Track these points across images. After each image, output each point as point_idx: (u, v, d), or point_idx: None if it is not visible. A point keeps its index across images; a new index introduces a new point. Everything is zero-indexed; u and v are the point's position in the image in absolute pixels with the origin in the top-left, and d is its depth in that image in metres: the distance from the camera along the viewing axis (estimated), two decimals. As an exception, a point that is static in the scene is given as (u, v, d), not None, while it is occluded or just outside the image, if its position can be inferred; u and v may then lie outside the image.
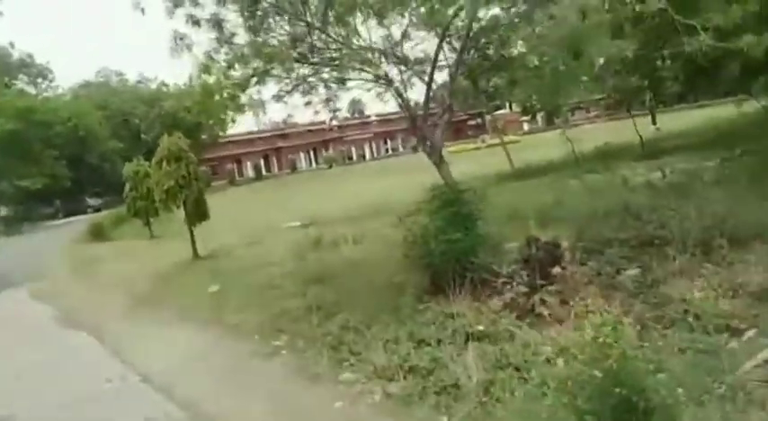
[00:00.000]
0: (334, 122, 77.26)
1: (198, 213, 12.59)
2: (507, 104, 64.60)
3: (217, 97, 7.39)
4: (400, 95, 6.65)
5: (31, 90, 54.80)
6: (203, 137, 56.13)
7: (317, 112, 9.28)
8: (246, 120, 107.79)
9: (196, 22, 6.50)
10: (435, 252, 5.95)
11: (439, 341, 5.06)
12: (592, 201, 11.03)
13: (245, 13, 6.39)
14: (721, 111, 29.47)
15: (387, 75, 6.73)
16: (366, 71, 6.92)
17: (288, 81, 7.88)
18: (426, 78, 7.17)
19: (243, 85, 7.19)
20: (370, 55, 6.83)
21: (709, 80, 25.31)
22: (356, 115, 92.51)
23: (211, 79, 7.19)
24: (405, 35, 7.40)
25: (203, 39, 6.80)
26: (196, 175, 12.32)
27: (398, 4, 6.87)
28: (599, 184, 14.78)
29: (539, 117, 75.10)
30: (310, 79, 7.99)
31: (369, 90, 7.67)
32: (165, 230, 19.95)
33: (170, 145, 11.96)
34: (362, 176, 39.12)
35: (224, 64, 7.05)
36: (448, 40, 7.73)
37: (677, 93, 30.29)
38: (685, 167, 15.07)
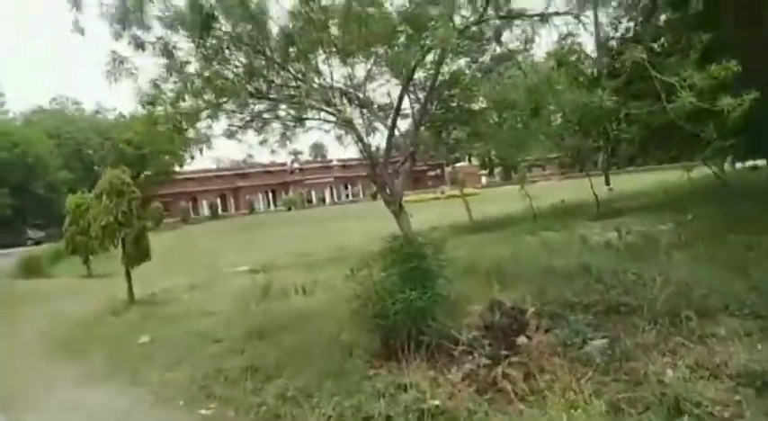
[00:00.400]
0: (295, 165, 77.25)
1: (138, 253, 11.64)
2: (467, 157, 66.28)
3: (162, 129, 6.77)
4: (360, 140, 6.23)
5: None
6: (150, 172, 54.38)
7: (273, 152, 8.76)
8: (204, 158, 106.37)
9: (140, 45, 5.95)
10: (389, 311, 5.39)
11: (389, 418, 4.43)
12: (551, 259, 10.75)
13: (198, 41, 5.90)
14: (668, 176, 30.72)
15: (348, 117, 6.31)
16: (326, 111, 6.49)
17: (241, 117, 7.37)
18: (389, 124, 6.80)
19: (192, 119, 6.62)
20: (330, 94, 6.43)
21: (662, 144, 26.34)
22: (318, 159, 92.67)
23: (157, 109, 6.60)
24: (368, 77, 7.05)
25: (149, 64, 6.26)
26: (138, 213, 11.47)
27: (363, 47, 6.54)
28: (557, 242, 14.66)
29: (496, 171, 77.25)
30: (265, 116, 7.50)
31: (328, 131, 7.23)
32: (106, 268, 18.65)
33: (112, 178, 11.13)
34: (320, 221, 38.44)
35: (171, 94, 6.49)
36: (411, 88, 7.47)
37: (629, 155, 31.51)
38: (641, 230, 15.18)
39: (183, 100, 6.80)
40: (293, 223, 40.05)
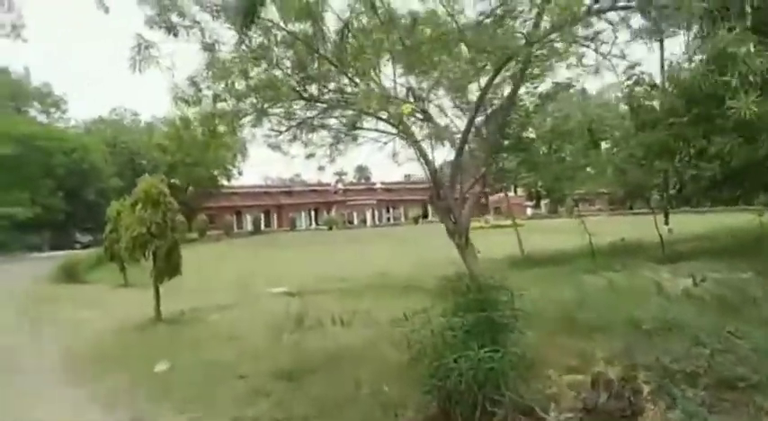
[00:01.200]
0: (339, 185, 77.19)
1: (169, 268, 10.87)
2: (513, 187, 64.55)
3: (196, 133, 5.94)
4: (423, 156, 5.20)
5: (43, 119, 54.57)
6: (195, 185, 55.11)
7: (320, 168, 7.92)
8: (252, 174, 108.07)
9: (172, 29, 5.12)
10: (451, 370, 4.25)
11: None
12: (626, 307, 9.36)
13: (241, 32, 5.04)
14: (726, 219, 28.63)
15: (409, 129, 5.30)
16: (385, 120, 5.52)
17: (288, 124, 6.49)
18: (455, 143, 5.74)
19: (230, 122, 5.76)
20: (390, 103, 5.45)
21: (735, 184, 24.38)
22: (362, 181, 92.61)
23: (191, 111, 5.79)
24: (432, 88, 6.03)
25: (186, 58, 5.43)
26: (173, 225, 10.72)
27: (428, 56, 5.55)
28: (624, 286, 13.16)
29: (542, 203, 74.88)
30: (315, 123, 6.60)
31: (385, 144, 6.26)
32: (143, 278, 18.09)
33: (147, 186, 10.45)
34: (362, 242, 37.51)
35: (209, 92, 5.66)
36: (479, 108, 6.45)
37: (690, 194, 29.52)
38: (719, 277, 13.53)
39: (224, 101, 5.97)
40: (334, 243, 39.31)
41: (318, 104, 6.58)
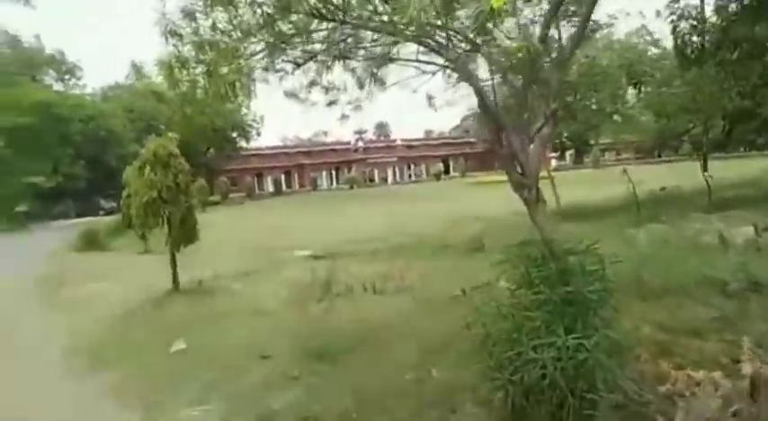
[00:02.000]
0: (359, 144, 75.68)
1: (185, 234, 10.05)
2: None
3: (197, 72, 4.88)
4: (479, 92, 4.07)
5: (59, 87, 53.89)
6: (208, 149, 54.44)
7: (342, 116, 6.81)
8: (270, 135, 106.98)
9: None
10: (531, 363, 3.28)
11: None
12: (690, 263, 8.27)
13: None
14: (758, 165, 27.22)
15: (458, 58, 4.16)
16: (430, 47, 4.37)
17: (305, 51, 5.43)
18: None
19: (230, 58, 4.70)
20: (434, 29, 4.30)
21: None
22: (381, 138, 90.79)
23: (187, 48, 4.73)
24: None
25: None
26: (186, 188, 9.82)
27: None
28: (679, 239, 12.06)
29: (567, 154, 72.55)
30: (337, 52, 5.50)
31: (433, 74, 5.11)
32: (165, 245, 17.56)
33: (156, 147, 9.51)
34: (385, 201, 36.53)
35: (206, 23, 4.59)
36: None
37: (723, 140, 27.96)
38: (782, 226, 12.29)
39: (229, 35, 4.89)
40: (356, 201, 38.42)
41: (344, 27, 5.40)
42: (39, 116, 37.82)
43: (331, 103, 6.73)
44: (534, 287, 3.62)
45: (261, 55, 5.41)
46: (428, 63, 4.97)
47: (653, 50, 22.31)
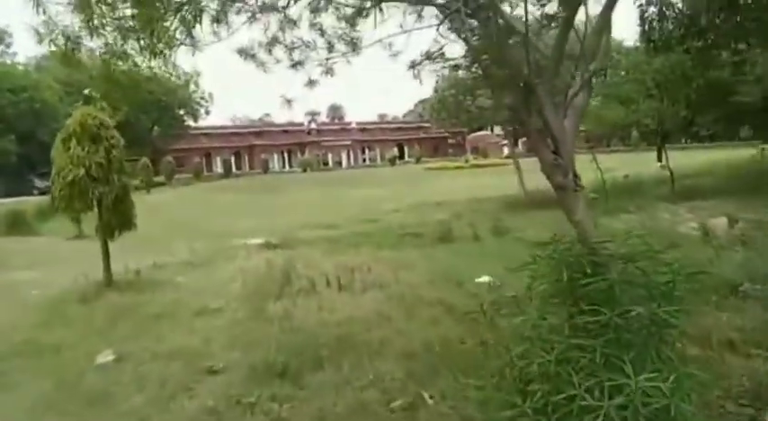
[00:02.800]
0: (313, 125, 73.63)
1: (119, 219, 8.67)
2: (489, 126, 62.40)
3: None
4: (499, 46, 3.07)
5: (-13, 56, 49.57)
6: (153, 127, 51.77)
7: (311, 82, 5.71)
8: (219, 115, 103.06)
9: None
10: (587, 411, 2.37)
11: None
12: (681, 258, 7.65)
13: None
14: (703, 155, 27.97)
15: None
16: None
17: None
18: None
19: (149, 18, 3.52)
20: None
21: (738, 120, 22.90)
22: (336, 120, 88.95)
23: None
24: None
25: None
26: (120, 165, 8.41)
27: None
28: (657, 231, 11.59)
29: (520, 142, 73.12)
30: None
31: (438, 27, 4.06)
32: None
33: (83, 118, 8.05)
34: (341, 185, 35.37)
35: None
36: None
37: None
38: (751, 218, 12.08)
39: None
40: (311, 186, 37.09)
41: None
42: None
43: (296, 64, 5.59)
44: (577, 303, 2.69)
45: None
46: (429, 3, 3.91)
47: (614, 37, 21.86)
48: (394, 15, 5.76)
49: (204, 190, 39.62)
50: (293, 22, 5.63)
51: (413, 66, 6.30)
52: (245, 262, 10.13)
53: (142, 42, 4.22)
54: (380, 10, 4.88)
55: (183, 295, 7.96)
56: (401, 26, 5.33)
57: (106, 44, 4.30)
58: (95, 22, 3.66)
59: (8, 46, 53.06)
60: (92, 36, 4.11)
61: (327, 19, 5.85)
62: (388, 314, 6.21)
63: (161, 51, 3.85)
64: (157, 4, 3.49)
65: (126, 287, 8.57)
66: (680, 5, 17.44)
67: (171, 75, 56.56)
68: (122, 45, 4.26)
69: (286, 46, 5.75)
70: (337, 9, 5.77)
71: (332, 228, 15.01)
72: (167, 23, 3.77)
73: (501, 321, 5.12)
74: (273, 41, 5.73)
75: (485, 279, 7.64)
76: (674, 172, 21.05)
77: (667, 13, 17.77)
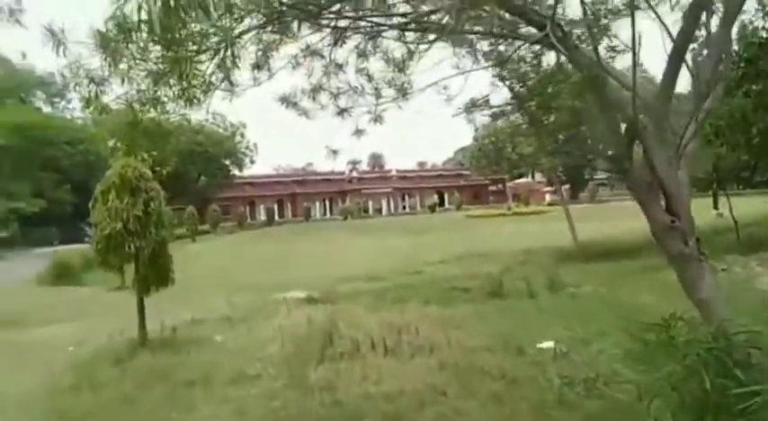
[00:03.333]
0: (354, 174, 74.24)
1: (156, 274, 8.33)
2: (530, 173, 61.17)
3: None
4: (610, 88, 2.51)
5: (47, 109, 52.43)
6: (200, 176, 53.38)
7: (358, 131, 5.29)
8: (262, 163, 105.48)
9: None
10: None
11: None
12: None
13: None
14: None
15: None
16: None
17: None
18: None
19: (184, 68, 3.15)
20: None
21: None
22: (376, 169, 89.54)
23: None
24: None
25: None
26: (158, 218, 8.14)
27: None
28: (736, 288, 10.51)
29: (562, 189, 71.34)
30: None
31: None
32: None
33: (123, 169, 7.88)
34: (384, 233, 34.86)
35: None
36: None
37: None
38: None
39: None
40: (352, 234, 36.73)
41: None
42: (18, 138, 36.27)
43: (342, 112, 5.19)
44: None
45: (249, 36, 3.90)
46: (513, 37, 3.42)
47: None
48: (446, 58, 5.36)
49: (247, 238, 39.85)
50: (339, 67, 5.27)
51: (465, 110, 5.85)
52: (285, 319, 9.56)
53: (175, 89, 3.89)
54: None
55: (219, 357, 7.43)
56: (458, 67, 4.91)
57: (138, 91, 4.00)
58: (123, 65, 3.34)
59: (69, 101, 56.21)
60: (123, 81, 3.81)
61: (375, 64, 5.49)
62: (442, 388, 5.48)
63: (194, 97, 3.46)
64: (189, 44, 3.10)
65: (161, 346, 8.12)
66: (736, 48, 16.67)
67: (218, 126, 58.75)
68: (155, 91, 3.94)
69: (331, 92, 5.39)
70: (384, 53, 5.41)
71: (375, 281, 14.39)
72: (203, 67, 3.40)
73: (576, 401, 4.37)
74: (318, 88, 5.37)
75: (548, 344, 6.84)
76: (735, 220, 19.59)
77: (723, 56, 16.98)
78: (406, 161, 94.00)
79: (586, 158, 20.37)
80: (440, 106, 5.82)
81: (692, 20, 2.61)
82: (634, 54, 2.52)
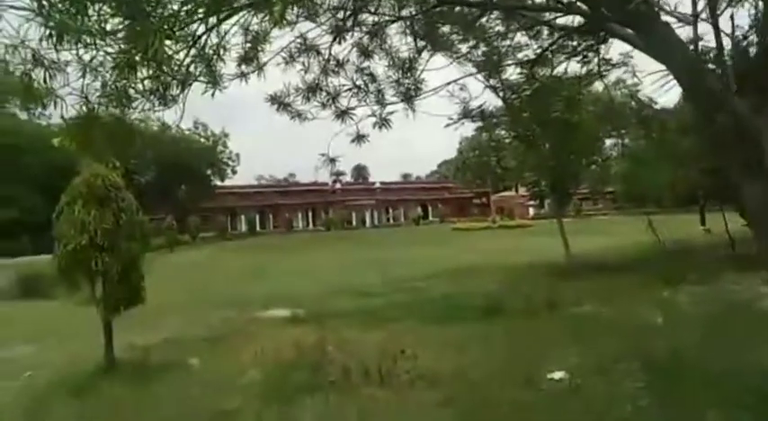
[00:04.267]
0: (337, 185, 73.53)
1: (125, 293, 7.52)
2: (514, 186, 61.15)
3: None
4: (691, 60, 1.94)
5: (24, 116, 50.89)
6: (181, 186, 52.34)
7: (360, 137, 4.66)
8: (245, 173, 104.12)
9: None
10: None
11: None
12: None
13: None
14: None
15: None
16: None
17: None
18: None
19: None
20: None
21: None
22: (360, 180, 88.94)
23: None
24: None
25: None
26: (130, 231, 7.37)
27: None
28: (737, 308, 10.09)
29: (546, 203, 71.37)
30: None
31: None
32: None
33: (90, 178, 7.11)
34: (368, 245, 34.20)
35: None
36: None
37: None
38: None
39: None
40: (338, 245, 35.97)
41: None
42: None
43: (342, 114, 4.54)
44: None
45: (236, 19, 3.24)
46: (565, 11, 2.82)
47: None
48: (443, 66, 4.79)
49: (227, 249, 38.82)
50: (339, 63, 4.64)
51: (455, 121, 5.28)
52: (268, 339, 8.83)
53: (146, 82, 3.20)
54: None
55: (193, 387, 6.65)
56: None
57: (103, 85, 3.30)
58: (80, 47, 2.66)
59: (45, 107, 54.58)
60: (84, 71, 3.12)
61: (378, 64, 4.89)
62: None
63: (166, 87, 2.78)
64: (160, 12, 2.43)
65: (130, 372, 7.31)
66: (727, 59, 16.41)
67: (200, 136, 57.69)
68: (124, 84, 3.25)
69: (328, 92, 4.74)
70: (388, 54, 4.81)
71: (365, 297, 13.67)
72: (177, 49, 2.73)
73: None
74: (315, 89, 4.72)
75: (560, 375, 6.22)
76: (722, 236, 19.30)
77: (716, 70, 16.72)
78: (390, 173, 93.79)
79: (572, 173, 20.08)
80: (425, 118, 5.25)
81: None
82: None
